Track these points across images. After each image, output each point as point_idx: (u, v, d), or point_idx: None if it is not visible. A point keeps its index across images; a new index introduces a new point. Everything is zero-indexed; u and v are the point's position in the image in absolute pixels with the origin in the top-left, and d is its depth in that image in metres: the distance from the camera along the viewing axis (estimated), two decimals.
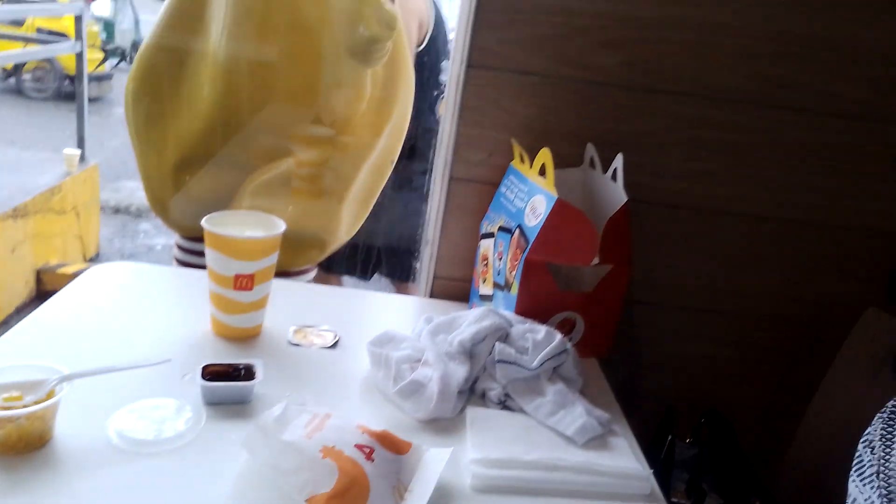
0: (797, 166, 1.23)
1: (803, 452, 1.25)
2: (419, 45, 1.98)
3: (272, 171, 1.99)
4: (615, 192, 1.08)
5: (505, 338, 0.97)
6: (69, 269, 4.22)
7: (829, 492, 1.10)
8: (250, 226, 1.04)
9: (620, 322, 1.12)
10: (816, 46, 1.17)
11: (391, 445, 0.75)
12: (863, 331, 1.23)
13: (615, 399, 1.01)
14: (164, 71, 1.87)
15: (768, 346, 1.34)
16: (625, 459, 0.83)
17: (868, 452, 0.61)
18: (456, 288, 1.27)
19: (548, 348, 0.94)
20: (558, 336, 0.97)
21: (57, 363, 0.78)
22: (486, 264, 1.16)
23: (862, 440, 0.62)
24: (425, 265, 1.34)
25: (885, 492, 0.57)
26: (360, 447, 0.72)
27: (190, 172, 1.99)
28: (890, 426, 0.60)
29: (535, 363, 0.93)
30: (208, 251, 0.98)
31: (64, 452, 0.74)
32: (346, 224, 2.07)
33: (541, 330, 0.98)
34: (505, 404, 0.93)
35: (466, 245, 1.26)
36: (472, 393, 0.95)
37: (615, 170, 1.09)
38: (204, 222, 0.99)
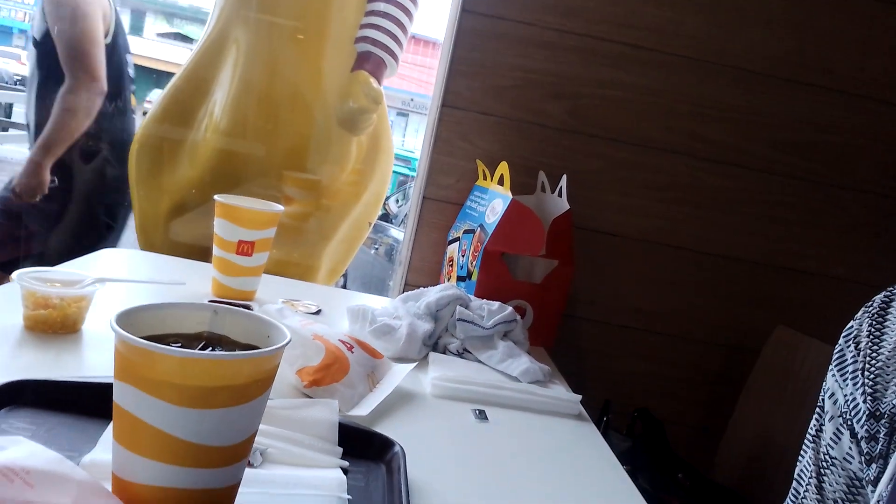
0: (713, 206, 1.48)
1: (727, 467, 1.40)
2: (105, 36, 2.33)
3: None
4: (561, 205, 1.30)
5: (465, 307, 1.15)
6: None
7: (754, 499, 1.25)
8: (253, 204, 1.23)
9: (565, 334, 1.31)
10: (729, 110, 1.45)
11: (367, 349, 0.91)
12: (773, 346, 1.42)
13: (562, 376, 1.17)
14: (168, 128, 2.13)
15: (695, 365, 1.52)
16: (560, 390, 0.99)
17: (852, 348, 0.58)
18: None
19: (501, 314, 1.12)
20: (509, 308, 1.15)
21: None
22: (451, 264, 1.35)
23: (844, 335, 0.59)
24: (398, 276, 1.52)
25: (870, 389, 0.55)
26: (342, 342, 0.88)
27: (181, 218, 2.19)
28: (878, 322, 0.57)
29: (490, 322, 1.10)
30: (217, 220, 1.16)
31: (92, 337, 0.88)
32: (325, 275, 2.26)
33: (495, 304, 1.16)
34: (462, 356, 1.09)
35: (434, 258, 1.45)
36: (434, 348, 1.12)
37: (560, 188, 1.32)
38: (216, 197, 1.18)
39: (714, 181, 1.48)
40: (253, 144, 2.14)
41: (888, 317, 0.56)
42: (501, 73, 1.41)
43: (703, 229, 1.49)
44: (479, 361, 1.07)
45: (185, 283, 1.00)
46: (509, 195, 1.22)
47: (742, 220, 1.49)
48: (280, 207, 1.23)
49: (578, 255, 1.35)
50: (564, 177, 1.32)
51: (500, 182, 1.28)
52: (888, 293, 0.58)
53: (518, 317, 1.15)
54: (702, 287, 1.50)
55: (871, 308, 0.58)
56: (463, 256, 1.30)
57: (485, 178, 1.36)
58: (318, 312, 1.20)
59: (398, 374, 0.91)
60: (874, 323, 0.57)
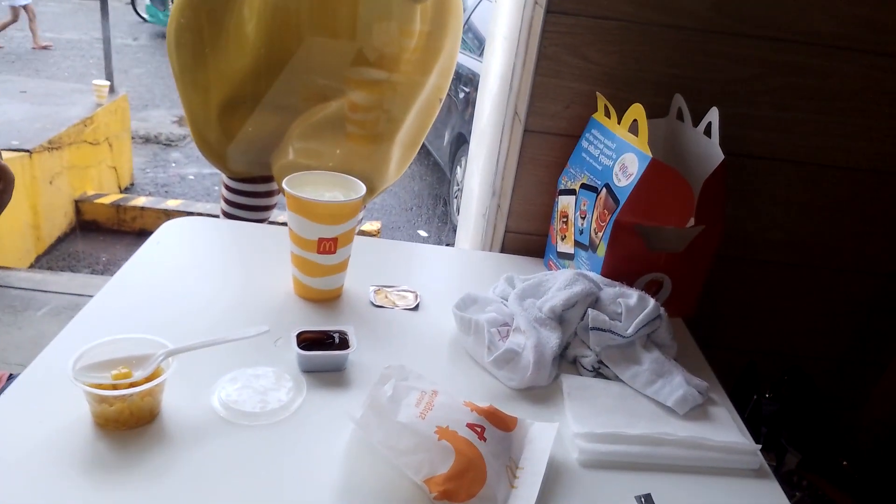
0: (892, 115, 1.16)
1: (882, 406, 1.24)
2: None
3: (320, 114, 1.94)
4: (709, 149, 1.02)
5: (595, 302, 0.95)
6: (107, 200, 4.24)
7: None
8: (327, 186, 1.01)
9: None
10: None
11: (499, 423, 0.75)
12: None
13: (706, 362, 0.99)
14: (207, 8, 1.81)
15: (852, 299, 1.31)
16: (730, 433, 0.82)
17: None
18: (529, 242, 1.24)
19: (641, 315, 0.92)
20: (651, 301, 0.94)
21: (159, 336, 0.77)
22: (566, 222, 1.12)
23: None
24: (491, 218, 1.31)
25: None
26: (471, 427, 0.71)
27: (237, 114, 1.95)
28: None
29: (630, 330, 0.91)
30: (290, 215, 0.96)
31: (173, 426, 0.74)
32: (395, 165, 2.03)
33: (632, 294, 0.95)
34: (599, 371, 0.92)
35: (540, 200, 1.22)
36: (563, 359, 0.94)
37: (709, 124, 1.04)
38: (285, 184, 0.96)
39: None
40: (304, 18, 1.83)
41: None
42: None
43: (877, 144, 1.19)
44: (621, 380, 0.90)
45: (269, 329, 0.83)
46: (647, 152, 0.95)
47: None
48: (362, 187, 1.00)
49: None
50: (715, 110, 1.02)
51: (632, 129, 1.00)
52: None
53: (662, 312, 0.95)
54: (868, 211, 1.24)
55: None
56: (583, 219, 1.07)
57: (607, 115, 1.08)
58: (416, 307, 1.02)
59: (541, 450, 0.74)
60: None
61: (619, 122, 1.04)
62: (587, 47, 1.12)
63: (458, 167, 4.64)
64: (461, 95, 4.74)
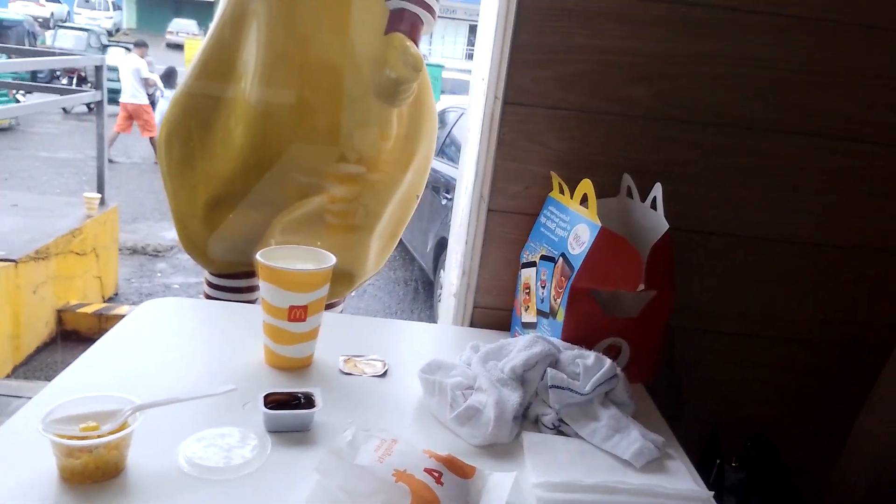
0: (831, 191, 1.26)
1: (850, 470, 1.25)
2: None
3: (302, 209, 2.03)
4: (655, 220, 1.10)
5: (555, 363, 0.99)
6: (89, 309, 4.25)
7: None
8: (300, 259, 1.06)
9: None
10: (842, 74, 1.20)
11: (457, 470, 0.77)
12: None
13: (665, 423, 1.02)
14: (195, 116, 1.94)
15: (810, 369, 1.35)
16: (684, 481, 0.84)
17: None
18: (496, 317, 1.29)
19: (598, 373, 0.96)
20: (608, 361, 0.98)
21: (128, 394, 0.80)
22: (528, 292, 1.18)
23: None
24: (461, 296, 1.36)
25: None
26: (429, 471, 0.73)
27: (221, 211, 2.03)
28: None
29: (588, 388, 0.94)
30: (263, 284, 1.01)
31: (138, 480, 0.75)
32: (375, 257, 2.10)
33: (590, 356, 0.99)
34: (559, 429, 0.94)
35: (505, 275, 1.28)
36: (525, 419, 0.97)
37: (654, 198, 1.12)
38: (258, 256, 1.02)
39: (833, 161, 1.24)
40: (288, 124, 1.95)
41: None
42: (573, 57, 1.18)
43: (820, 217, 1.27)
44: (580, 437, 0.92)
45: (237, 388, 0.86)
46: (597, 222, 1.03)
47: (869, 203, 1.26)
48: (332, 258, 1.06)
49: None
50: (658, 186, 1.11)
51: (583, 202, 1.08)
52: None
53: (619, 371, 0.99)
54: (819, 282, 1.30)
55: None
56: (543, 288, 1.12)
57: (561, 192, 1.16)
58: (384, 374, 1.05)
59: (497, 497, 0.76)
60: None
61: (571, 197, 1.12)
62: (543, 134, 1.22)
63: (442, 271, 4.73)
64: (443, 202, 4.91)
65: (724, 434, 1.26)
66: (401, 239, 2.16)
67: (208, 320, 1.21)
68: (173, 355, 1.03)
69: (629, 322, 1.09)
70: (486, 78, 1.27)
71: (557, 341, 1.04)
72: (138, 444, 0.78)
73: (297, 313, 1.00)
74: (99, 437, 0.73)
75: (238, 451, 0.81)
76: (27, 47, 8.81)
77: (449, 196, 4.79)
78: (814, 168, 1.25)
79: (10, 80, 7.22)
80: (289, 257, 1.06)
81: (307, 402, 0.89)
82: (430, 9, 1.91)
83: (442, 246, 4.81)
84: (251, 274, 2.17)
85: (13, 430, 0.81)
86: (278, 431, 0.86)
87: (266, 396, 0.88)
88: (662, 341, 1.12)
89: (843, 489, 1.26)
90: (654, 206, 1.12)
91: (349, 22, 1.88)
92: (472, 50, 1.54)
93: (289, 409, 0.87)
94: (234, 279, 1.94)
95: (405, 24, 1.86)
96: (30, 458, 0.75)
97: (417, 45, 1.90)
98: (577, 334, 1.06)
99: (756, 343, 1.33)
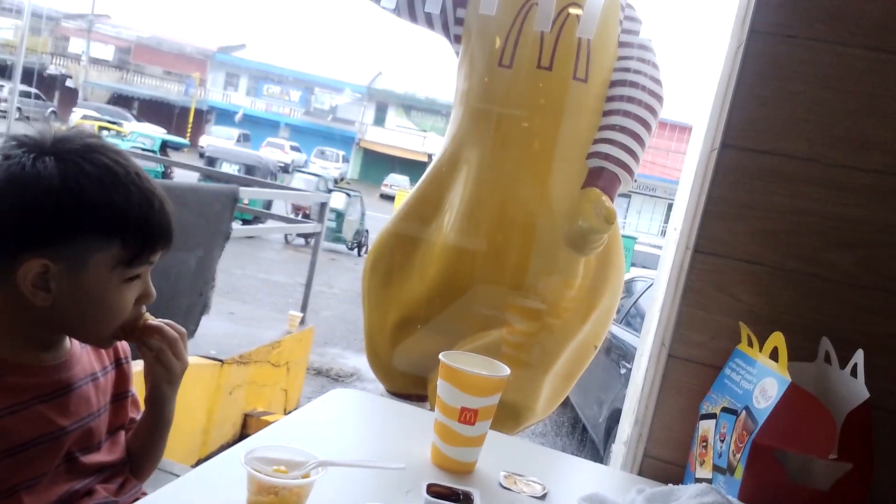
0: None
1: None
2: None
3: (481, 340, 2.13)
4: (855, 389, 1.03)
5: None
6: (272, 418, 4.57)
7: None
8: (478, 366, 1.13)
9: None
10: None
11: None
12: None
13: None
14: (398, 250, 2.17)
15: None
16: None
17: None
18: (668, 470, 1.23)
19: None
20: None
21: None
22: (706, 446, 1.12)
23: None
24: (632, 442, 1.32)
25: None
26: None
27: (406, 331, 2.20)
28: None
29: None
30: (440, 382, 1.08)
31: None
32: (545, 400, 2.10)
33: None
34: None
35: (680, 428, 1.23)
36: None
37: (854, 365, 1.05)
38: (441, 356, 1.10)
39: None
40: (479, 262, 2.10)
41: None
42: (769, 215, 1.19)
43: None
44: None
45: (405, 467, 0.91)
46: (787, 377, 0.99)
47: None
48: (507, 370, 1.11)
49: (876, 446, 1.05)
50: (860, 352, 1.05)
51: (773, 356, 1.05)
52: None
53: None
54: None
55: None
56: (722, 441, 1.07)
57: (749, 345, 1.13)
58: (544, 497, 1.05)
59: None
60: None
61: (759, 351, 1.08)
62: (734, 286, 1.21)
63: (612, 445, 4.49)
64: (622, 371, 4.75)
65: None
66: (572, 405, 2.17)
67: (386, 414, 1.29)
68: (350, 436, 1.12)
69: (818, 495, 0.99)
70: (679, 228, 1.31)
71: (734, 500, 0.98)
72: (313, 499, 0.85)
73: (468, 416, 1.04)
74: (288, 480, 0.82)
75: None
76: (268, 181, 10.48)
77: (628, 366, 4.65)
78: None
79: (249, 206, 8.52)
80: (468, 363, 1.12)
81: (465, 500, 0.91)
82: (628, 169, 2.02)
83: (615, 418, 4.60)
84: (423, 398, 2.27)
85: (204, 471, 0.92)
86: None
87: (429, 486, 0.92)
88: None
89: None
90: (853, 373, 1.05)
91: (549, 175, 2.04)
92: (667, 227, 1.60)
93: (449, 502, 0.90)
94: (406, 400, 2.05)
95: (603, 180, 1.98)
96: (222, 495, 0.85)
97: (612, 201, 2.00)
98: (756, 496, 0.98)
99: None
